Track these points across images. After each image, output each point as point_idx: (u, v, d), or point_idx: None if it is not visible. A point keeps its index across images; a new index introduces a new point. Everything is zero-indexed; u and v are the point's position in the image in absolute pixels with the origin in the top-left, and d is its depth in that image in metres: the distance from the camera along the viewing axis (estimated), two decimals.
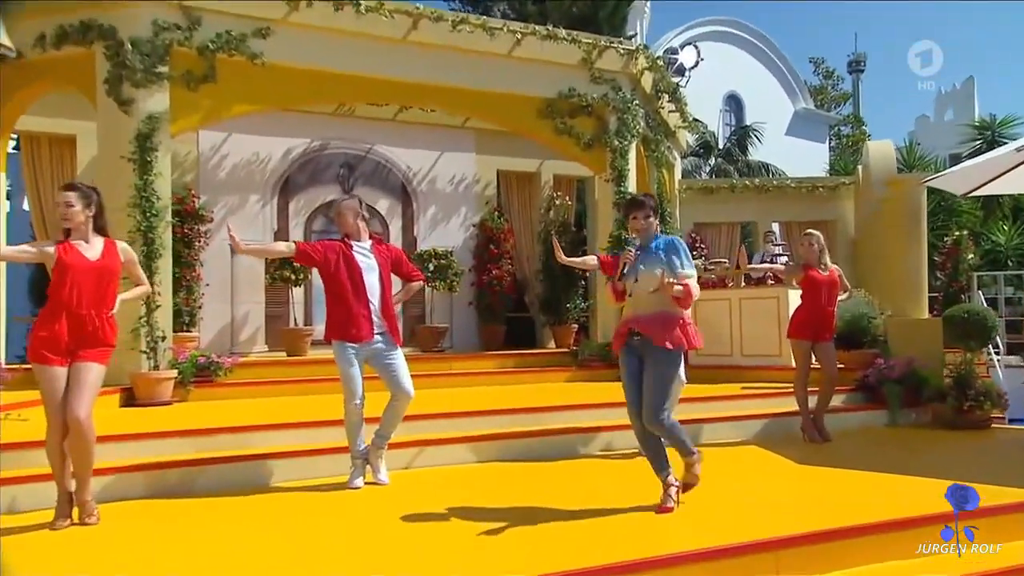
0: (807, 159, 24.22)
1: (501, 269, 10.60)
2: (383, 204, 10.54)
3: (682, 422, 5.36)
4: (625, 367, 3.65)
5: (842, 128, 31.72)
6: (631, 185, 8.92)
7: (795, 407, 5.92)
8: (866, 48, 64.81)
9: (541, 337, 11.14)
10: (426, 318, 10.37)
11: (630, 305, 3.60)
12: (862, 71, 36.42)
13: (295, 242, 4.49)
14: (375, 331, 4.35)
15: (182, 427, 5.07)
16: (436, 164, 10.83)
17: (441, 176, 10.85)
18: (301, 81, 7.64)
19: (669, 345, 3.50)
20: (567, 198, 11.27)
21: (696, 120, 12.01)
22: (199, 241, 8.86)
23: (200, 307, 8.88)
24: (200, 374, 6.86)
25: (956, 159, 17.33)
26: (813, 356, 5.78)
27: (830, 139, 29.27)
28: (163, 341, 6.57)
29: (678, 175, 12.53)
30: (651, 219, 3.63)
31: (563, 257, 4.58)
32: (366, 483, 4.44)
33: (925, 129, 27.24)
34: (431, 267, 9.85)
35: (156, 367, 6.51)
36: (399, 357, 4.45)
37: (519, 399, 6.55)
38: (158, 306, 6.54)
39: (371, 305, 4.35)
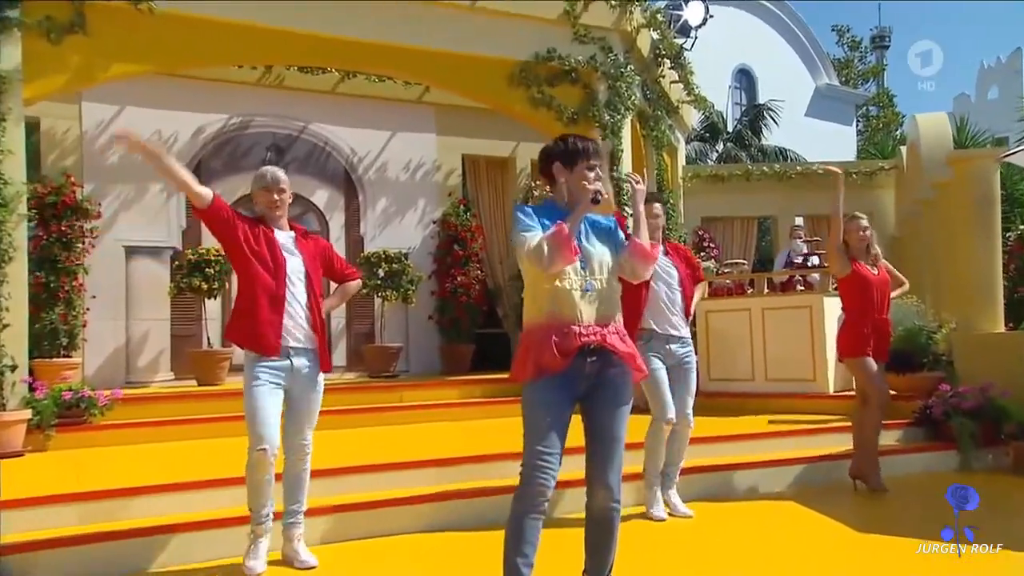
0: (831, 144, 24.05)
1: (468, 275, 10.30)
2: (321, 195, 10.13)
3: (692, 470, 5.08)
4: (552, 404, 2.72)
5: (870, 109, 31.55)
6: (625, 167, 8.46)
7: (843, 446, 5.55)
8: (891, 22, 65.30)
9: None
10: (376, 335, 10.05)
11: (564, 302, 2.72)
12: (887, 47, 36.47)
13: (214, 193, 3.75)
14: (305, 346, 3.78)
15: (19, 494, 4.31)
16: (387, 147, 10.48)
17: (394, 161, 10.49)
18: (205, 37, 7.01)
19: (638, 372, 2.84)
20: (548, 188, 10.71)
21: (704, 97, 11.56)
22: (82, 242, 8.28)
23: (84, 325, 8.34)
24: (66, 414, 6.14)
25: (1001, 142, 16.92)
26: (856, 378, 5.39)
27: (857, 120, 29.11)
28: (12, 372, 5.81)
29: (681, 160, 12.22)
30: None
31: None
32: (269, 563, 3.80)
33: (965, 109, 27.04)
34: (381, 272, 9.55)
35: (2, 406, 5.71)
36: (320, 393, 3.91)
37: (484, 441, 6.01)
38: (6, 325, 5.78)
39: (298, 313, 3.78)
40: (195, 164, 9.38)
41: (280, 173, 3.93)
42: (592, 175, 2.87)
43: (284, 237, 3.88)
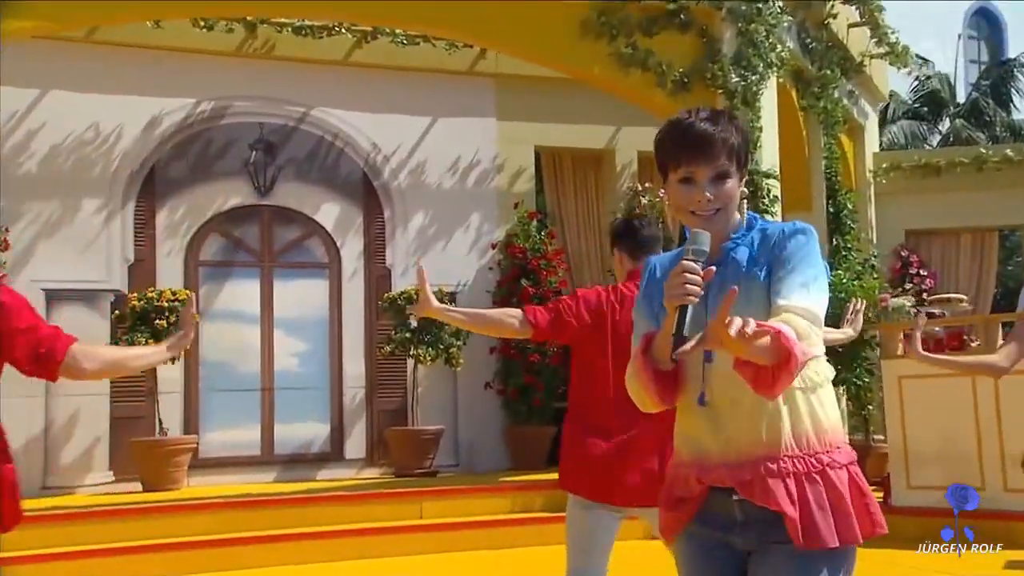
0: None
1: None
2: (329, 211, 10.17)
3: None
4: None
5: None
6: (768, 155, 8.32)
7: None
8: None
9: None
10: (408, 414, 9.98)
11: (703, 418, 2.39)
12: None
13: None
14: None
15: None
16: (424, 140, 10.53)
17: (434, 160, 10.55)
18: None
19: (834, 541, 2.26)
20: (662, 192, 10.24)
21: (907, 48, 11.26)
22: None
23: None
24: None
25: None
26: None
27: None
28: None
29: (872, 145, 12.04)
30: (730, 180, 2.39)
31: None
32: None
33: None
34: (414, 322, 9.48)
35: None
36: None
37: None
38: None
39: None
40: (148, 169, 9.45)
41: None
42: (684, 192, 2.32)
43: None
